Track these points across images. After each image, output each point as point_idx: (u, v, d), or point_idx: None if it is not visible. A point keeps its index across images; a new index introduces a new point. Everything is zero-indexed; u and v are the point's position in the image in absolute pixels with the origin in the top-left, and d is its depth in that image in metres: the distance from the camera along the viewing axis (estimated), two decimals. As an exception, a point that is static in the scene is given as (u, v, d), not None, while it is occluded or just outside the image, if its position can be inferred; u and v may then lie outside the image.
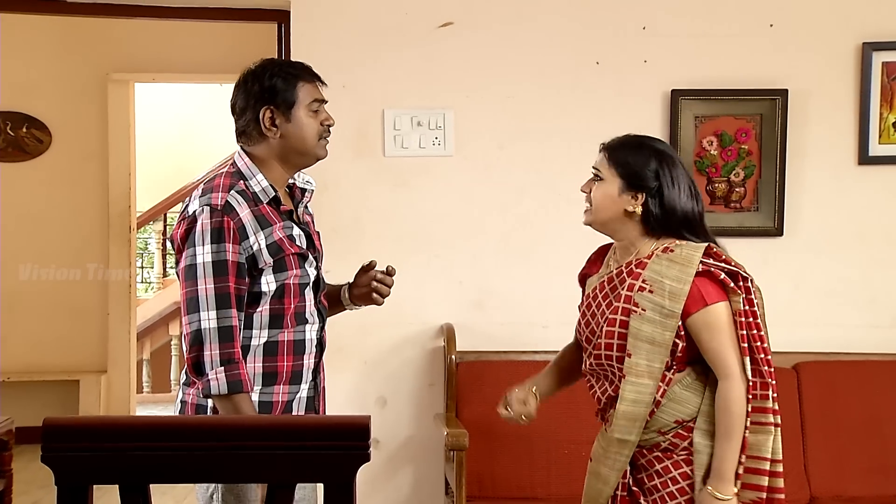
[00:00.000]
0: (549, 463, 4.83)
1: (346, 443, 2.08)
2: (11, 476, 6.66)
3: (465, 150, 5.13)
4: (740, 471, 3.01)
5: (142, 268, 11.96)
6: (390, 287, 3.37)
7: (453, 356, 4.94)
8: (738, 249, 5.01)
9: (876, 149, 5.14)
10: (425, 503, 5.12)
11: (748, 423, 3.01)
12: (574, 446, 4.72)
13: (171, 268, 11.45)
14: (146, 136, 10.70)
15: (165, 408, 10.08)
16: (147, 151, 10.85)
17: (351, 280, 3.43)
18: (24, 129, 8.54)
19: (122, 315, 8.71)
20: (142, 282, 11.85)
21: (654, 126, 5.09)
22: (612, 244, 3.30)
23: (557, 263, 5.01)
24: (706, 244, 3.09)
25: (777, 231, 5.14)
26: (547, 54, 5.14)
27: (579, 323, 3.27)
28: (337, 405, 4.99)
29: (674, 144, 5.07)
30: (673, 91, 5.10)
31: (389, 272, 3.37)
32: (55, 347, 8.61)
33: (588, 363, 3.21)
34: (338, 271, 4.86)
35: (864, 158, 5.16)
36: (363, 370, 5.11)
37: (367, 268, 3.39)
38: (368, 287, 3.37)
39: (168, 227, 11.66)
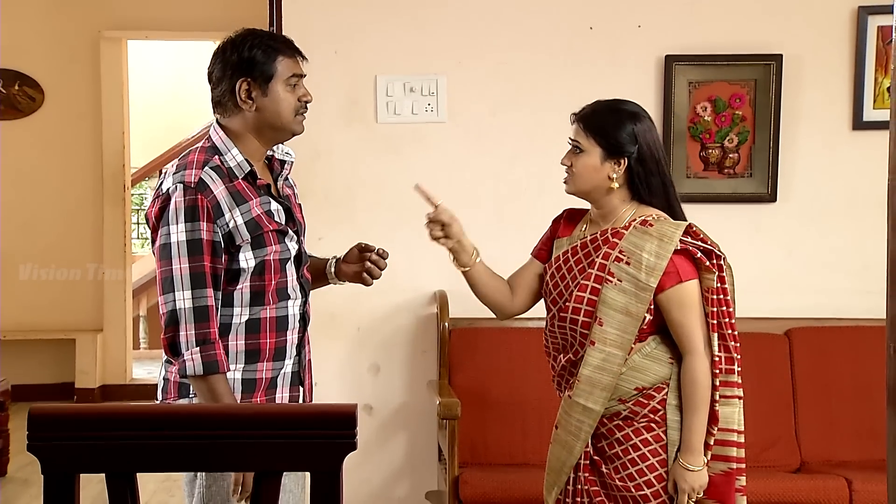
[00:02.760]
0: (541, 429, 4.81)
1: (333, 431, 2.08)
2: (8, 436, 6.70)
3: (458, 116, 5.11)
4: (711, 442, 3.08)
5: (137, 224, 11.97)
6: (382, 270, 3.32)
7: (446, 323, 4.95)
8: (731, 215, 5.10)
9: (870, 114, 5.11)
10: (419, 469, 5.14)
11: (717, 397, 3.07)
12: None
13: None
14: (140, 93, 10.68)
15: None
16: (142, 108, 10.83)
17: (339, 255, 3.38)
18: (17, 87, 8.54)
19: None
20: (137, 237, 11.86)
21: (647, 92, 5.08)
22: (585, 211, 3.32)
23: (550, 230, 5.01)
24: (687, 223, 3.11)
25: (770, 197, 5.13)
26: (540, 20, 5.10)
27: (547, 284, 3.28)
28: (330, 372, 5.03)
29: (667, 110, 5.06)
30: (667, 57, 5.08)
31: (382, 255, 3.31)
32: (51, 306, 8.64)
33: (549, 326, 3.25)
34: (330, 238, 4.89)
35: (859, 124, 5.14)
36: (356, 337, 5.12)
37: (364, 248, 3.33)
38: (361, 266, 3.32)
39: (164, 182, 11.63)
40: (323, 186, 5.02)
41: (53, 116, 8.62)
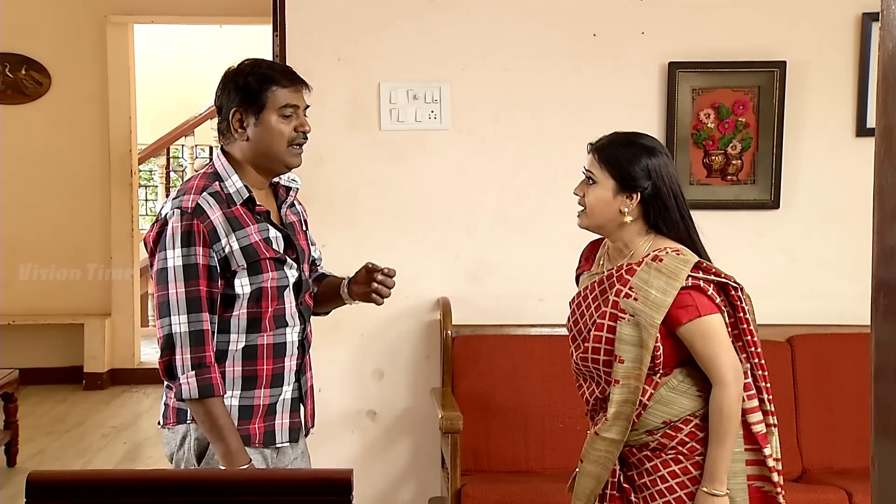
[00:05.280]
0: (544, 437, 4.87)
1: (329, 498, 2.12)
2: (17, 427, 6.75)
3: (462, 123, 5.10)
4: (771, 464, 3.14)
5: (146, 200, 12.01)
6: (391, 289, 3.31)
7: (449, 331, 4.96)
8: (734, 222, 5.10)
9: (874, 120, 5.09)
10: (422, 474, 5.17)
11: (752, 420, 3.11)
12: (569, 421, 4.77)
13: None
14: (148, 70, 10.68)
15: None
16: (150, 84, 10.83)
17: (350, 275, 3.38)
18: (24, 71, 8.55)
19: (125, 259, 8.76)
20: (146, 214, 11.91)
21: (651, 98, 5.07)
22: (602, 240, 3.33)
23: (553, 236, 5.03)
24: (696, 260, 3.10)
25: (773, 203, 5.12)
26: (543, 26, 5.09)
27: (569, 319, 3.32)
28: (334, 378, 5.06)
29: (671, 117, 5.05)
30: (670, 63, 5.05)
31: (389, 274, 3.29)
32: (60, 290, 8.69)
33: (574, 361, 3.26)
34: (334, 245, 4.90)
35: (863, 130, 5.14)
36: (360, 343, 5.14)
37: (372, 269, 3.31)
38: (369, 287, 3.30)
39: (171, 160, 11.68)
40: (326, 193, 5.04)
41: (60, 101, 8.64)
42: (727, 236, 5.06)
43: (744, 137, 5.08)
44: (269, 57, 4.91)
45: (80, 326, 8.67)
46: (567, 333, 3.33)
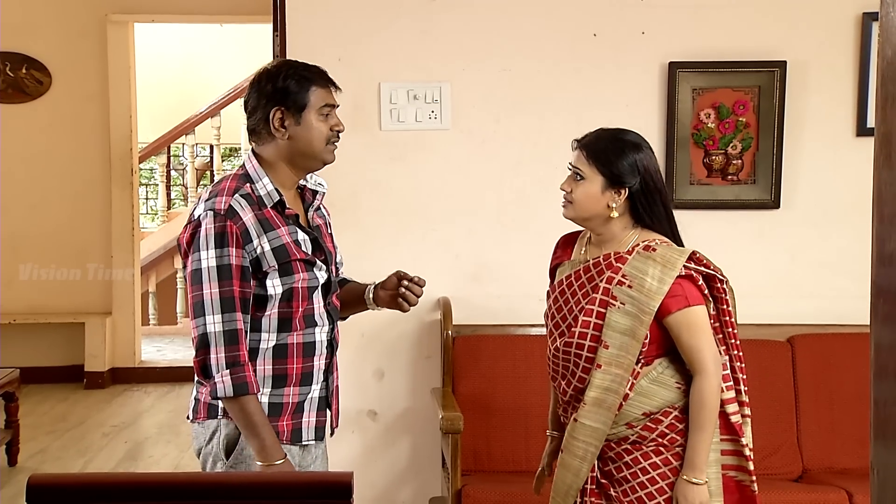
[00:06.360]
0: (543, 436, 4.83)
1: (329, 501, 2.12)
2: (18, 427, 6.75)
3: (462, 123, 5.10)
4: (750, 467, 3.17)
5: (146, 199, 12.01)
6: (418, 297, 3.35)
7: (450, 331, 4.96)
8: (734, 222, 5.11)
9: (874, 120, 5.08)
10: (423, 473, 5.18)
11: (730, 411, 3.15)
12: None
13: (175, 198, 11.51)
14: (148, 71, 10.68)
15: (172, 340, 10.21)
16: (149, 85, 10.83)
17: (377, 281, 3.42)
18: (24, 70, 8.56)
19: (126, 258, 8.77)
20: (147, 211, 11.91)
21: (651, 98, 5.08)
22: (578, 232, 3.39)
23: (554, 236, 4.94)
24: (691, 250, 3.15)
25: (774, 203, 5.12)
26: (544, 26, 5.09)
27: (549, 308, 3.33)
28: (335, 378, 5.06)
29: (671, 117, 5.06)
30: (671, 63, 5.06)
31: (419, 283, 3.35)
32: (61, 289, 8.70)
33: (553, 350, 3.28)
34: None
35: (863, 130, 5.14)
36: (361, 343, 5.14)
37: (402, 276, 3.36)
38: (396, 292, 3.35)
39: (172, 158, 11.68)
40: (327, 193, 5.00)
41: (61, 100, 8.65)
42: (727, 236, 5.07)
43: (744, 137, 5.08)
44: (269, 57, 4.92)
45: (81, 325, 8.68)
46: (547, 323, 3.35)
